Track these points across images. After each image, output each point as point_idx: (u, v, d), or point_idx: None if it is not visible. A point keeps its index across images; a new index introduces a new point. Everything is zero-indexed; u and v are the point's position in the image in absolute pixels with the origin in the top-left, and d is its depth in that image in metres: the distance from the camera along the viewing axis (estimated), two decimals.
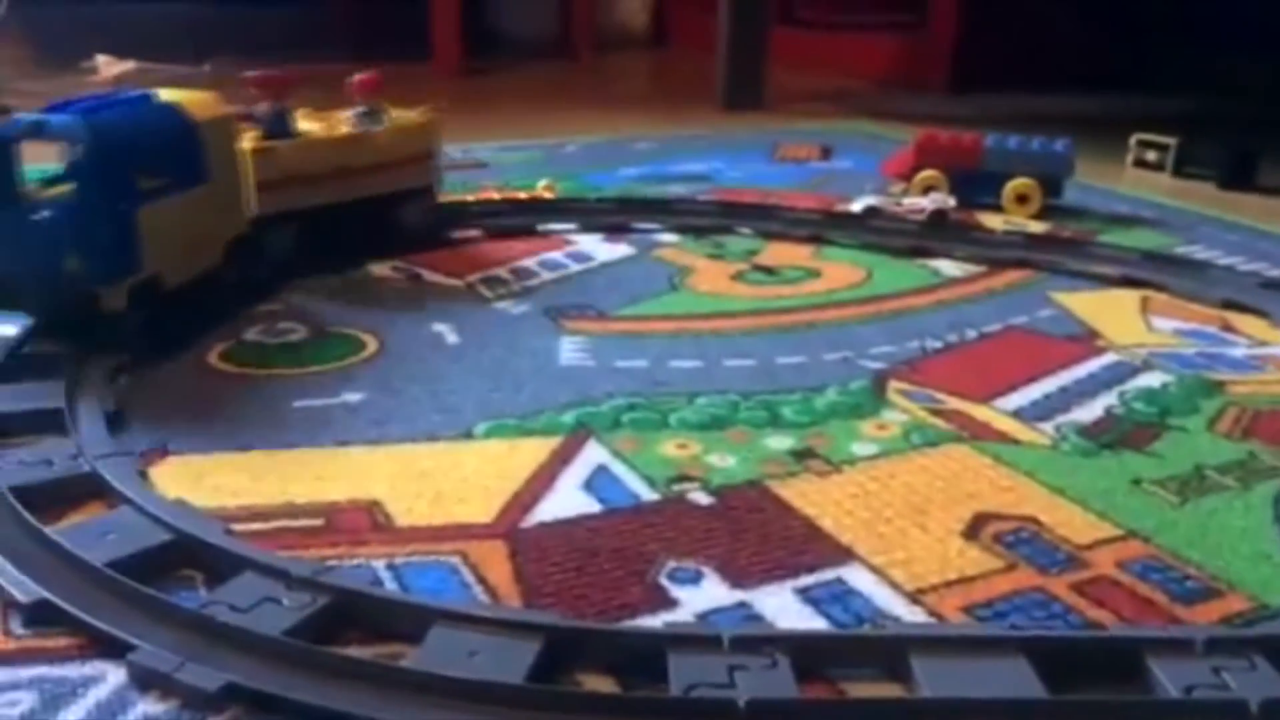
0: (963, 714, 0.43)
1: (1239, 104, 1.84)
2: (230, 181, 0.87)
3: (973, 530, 0.58)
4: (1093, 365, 0.79)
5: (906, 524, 0.58)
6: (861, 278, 1.00)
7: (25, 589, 0.49)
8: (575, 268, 1.01)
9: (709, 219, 1.15)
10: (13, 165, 0.72)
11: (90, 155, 0.72)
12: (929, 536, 0.57)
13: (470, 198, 1.21)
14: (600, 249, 1.07)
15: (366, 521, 0.58)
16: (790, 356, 0.81)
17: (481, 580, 0.53)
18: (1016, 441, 0.68)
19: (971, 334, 0.86)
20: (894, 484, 0.62)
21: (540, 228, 1.13)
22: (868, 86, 2.16)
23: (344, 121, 1.00)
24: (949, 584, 0.53)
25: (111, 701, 0.44)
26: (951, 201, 1.14)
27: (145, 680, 0.45)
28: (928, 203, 1.13)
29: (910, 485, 0.62)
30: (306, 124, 0.98)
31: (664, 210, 1.16)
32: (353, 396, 0.73)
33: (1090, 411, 0.72)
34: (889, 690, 0.46)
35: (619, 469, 0.64)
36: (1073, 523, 0.58)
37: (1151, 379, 0.77)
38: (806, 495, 0.61)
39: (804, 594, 0.52)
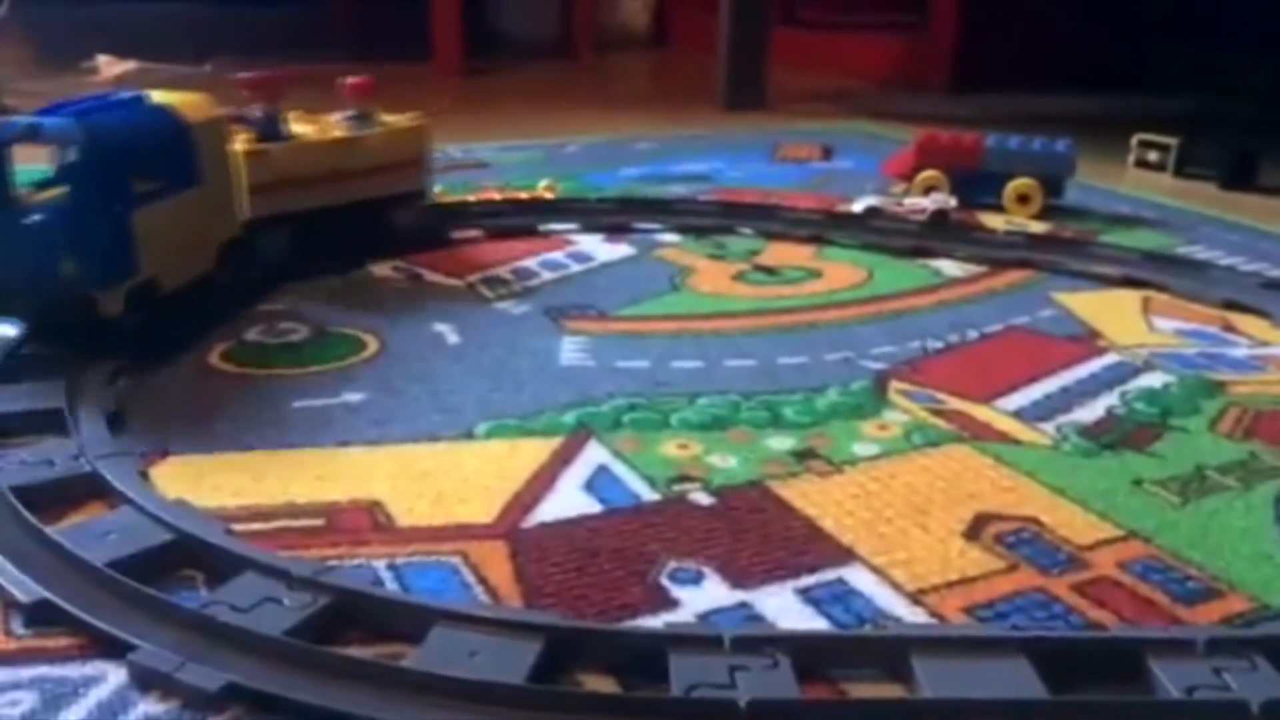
0: (964, 714, 0.43)
1: (1240, 104, 1.84)
2: (223, 184, 0.87)
3: (974, 531, 0.58)
4: (1094, 365, 0.79)
5: (908, 524, 0.58)
6: (862, 278, 1.00)
7: (26, 589, 0.49)
8: (576, 268, 1.01)
9: (710, 219, 1.15)
10: (5, 168, 0.71)
11: (86, 158, 0.71)
12: (930, 537, 0.57)
13: (471, 198, 1.21)
14: (601, 249, 1.07)
15: (367, 521, 0.58)
16: (791, 357, 0.81)
17: (482, 580, 0.53)
18: (1017, 442, 0.68)
19: (972, 334, 0.86)
20: (895, 484, 0.62)
21: (541, 228, 1.12)
22: (868, 87, 2.16)
23: (335, 125, 1.00)
24: (950, 584, 0.53)
25: (112, 701, 0.44)
26: (953, 202, 1.14)
27: (146, 680, 0.45)
28: (929, 203, 1.13)
29: (911, 485, 0.62)
30: (298, 127, 0.97)
31: (665, 210, 1.16)
32: (354, 396, 0.73)
33: (1091, 412, 0.72)
34: (890, 691, 0.46)
35: (620, 469, 0.64)
36: (1074, 523, 0.58)
37: (1153, 379, 0.77)
38: (807, 495, 0.61)
39: (805, 594, 0.52)
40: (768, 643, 0.46)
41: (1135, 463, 0.65)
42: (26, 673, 0.46)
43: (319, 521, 0.58)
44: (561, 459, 0.65)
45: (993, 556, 0.55)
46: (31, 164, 0.77)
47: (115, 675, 0.46)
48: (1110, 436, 0.68)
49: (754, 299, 0.94)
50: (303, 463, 0.64)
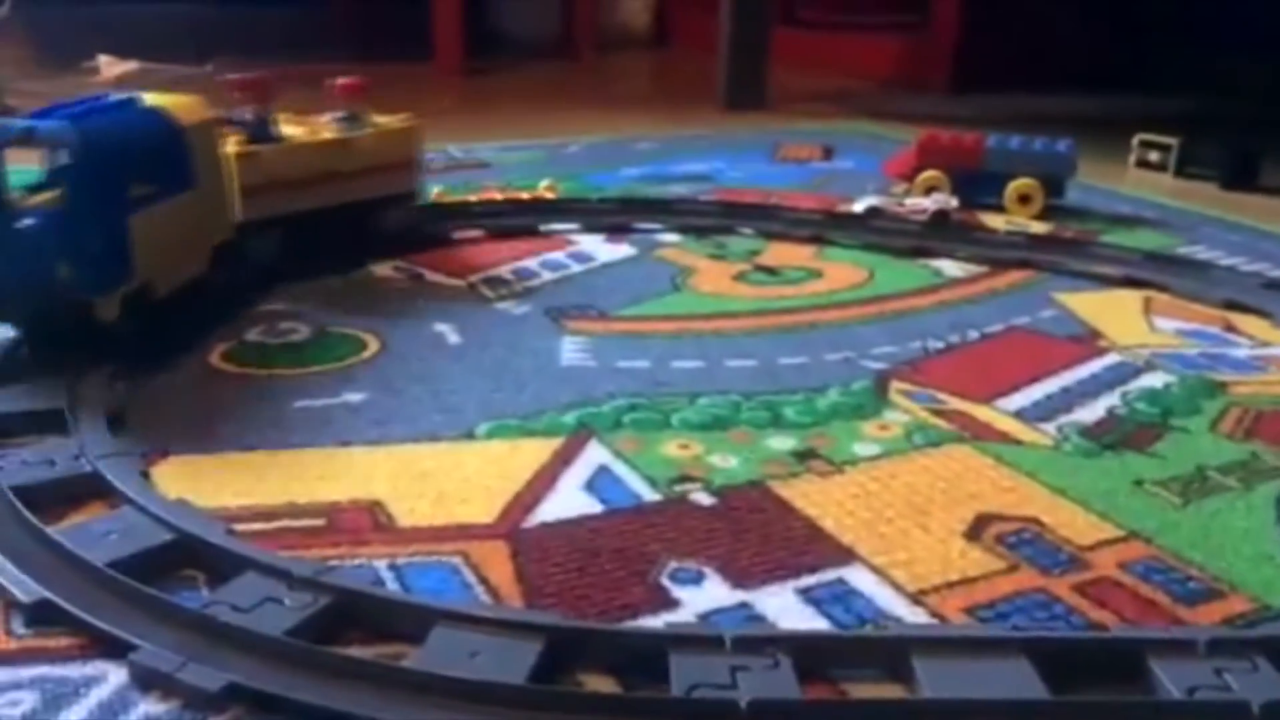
0: (964, 715, 0.43)
1: (1241, 104, 1.84)
2: (216, 187, 0.86)
3: (974, 531, 0.58)
4: (1095, 366, 0.79)
5: (908, 524, 0.58)
6: (863, 278, 1.00)
7: (27, 589, 0.49)
8: (577, 268, 1.01)
9: (711, 219, 1.15)
10: (0, 172, 0.69)
11: (81, 161, 0.70)
12: (931, 537, 0.57)
13: (472, 198, 1.21)
14: (602, 249, 1.07)
15: (368, 521, 0.58)
16: (792, 357, 0.81)
17: (483, 580, 0.53)
18: (1018, 442, 0.68)
19: (973, 334, 0.86)
20: (896, 484, 0.62)
21: (542, 228, 1.12)
22: (869, 87, 2.16)
23: (325, 126, 0.99)
24: (951, 585, 0.53)
25: (113, 701, 0.44)
26: (953, 202, 1.14)
27: (147, 680, 0.45)
28: (930, 203, 1.12)
29: (912, 486, 0.62)
30: (288, 128, 0.97)
31: (666, 210, 1.16)
32: (354, 396, 0.73)
33: (1092, 412, 0.72)
34: (891, 691, 0.46)
35: (620, 469, 0.64)
36: (1075, 523, 0.58)
37: (1154, 379, 0.77)
38: (808, 496, 0.61)
39: (806, 594, 0.52)
40: (768, 643, 0.46)
41: (1136, 463, 0.65)
42: (27, 673, 0.46)
43: (320, 521, 0.58)
44: (562, 459, 0.65)
45: (993, 557, 0.55)
46: (23, 166, 0.76)
47: (116, 675, 0.46)
48: (1111, 437, 0.68)
49: (755, 299, 0.94)
50: (304, 463, 0.64)
